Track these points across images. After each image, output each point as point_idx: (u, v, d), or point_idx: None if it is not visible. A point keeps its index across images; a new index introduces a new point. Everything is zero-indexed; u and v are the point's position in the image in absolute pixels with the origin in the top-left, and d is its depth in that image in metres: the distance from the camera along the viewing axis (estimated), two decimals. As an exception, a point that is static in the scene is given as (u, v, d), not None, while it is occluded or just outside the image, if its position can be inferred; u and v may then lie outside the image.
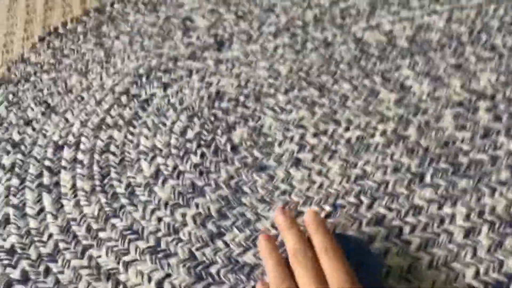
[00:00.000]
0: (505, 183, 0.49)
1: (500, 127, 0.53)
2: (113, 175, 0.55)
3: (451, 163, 0.51)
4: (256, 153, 0.56)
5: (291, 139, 0.56)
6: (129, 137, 0.59)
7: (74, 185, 0.55)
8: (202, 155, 0.56)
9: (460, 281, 0.43)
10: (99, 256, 0.49)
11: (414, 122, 0.55)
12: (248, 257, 0.48)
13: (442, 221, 0.47)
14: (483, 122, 0.54)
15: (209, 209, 0.51)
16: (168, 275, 0.47)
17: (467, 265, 0.44)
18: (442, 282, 0.44)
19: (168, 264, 0.48)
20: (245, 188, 0.53)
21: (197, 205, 0.52)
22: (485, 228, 0.46)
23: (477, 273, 0.44)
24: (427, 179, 0.50)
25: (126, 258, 0.49)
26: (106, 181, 0.55)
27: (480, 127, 0.53)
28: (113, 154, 0.57)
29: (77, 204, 0.53)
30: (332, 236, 0.42)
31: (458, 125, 0.54)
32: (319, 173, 0.53)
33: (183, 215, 0.51)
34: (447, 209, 0.48)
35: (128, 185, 0.54)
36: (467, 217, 0.47)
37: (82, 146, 0.58)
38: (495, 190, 0.48)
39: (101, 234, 0.51)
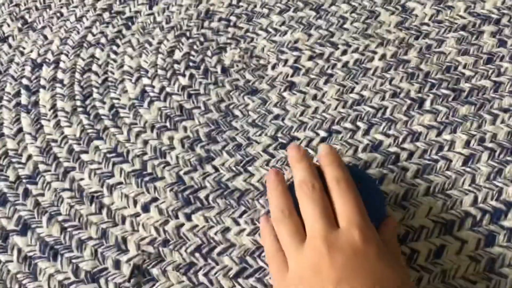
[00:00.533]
0: (508, 110, 0.47)
1: (505, 52, 0.50)
2: (95, 95, 0.52)
3: (452, 89, 0.49)
4: (248, 75, 0.52)
5: (285, 61, 0.53)
6: (112, 56, 0.55)
7: (54, 105, 0.51)
8: (191, 76, 0.53)
9: (458, 208, 0.42)
10: (82, 179, 0.47)
11: (415, 46, 0.52)
12: (239, 182, 0.46)
13: (441, 147, 0.45)
14: (487, 47, 0.51)
15: (198, 132, 0.49)
16: (154, 199, 0.45)
17: (465, 192, 0.43)
18: (439, 209, 0.42)
19: (155, 188, 0.46)
20: (236, 112, 0.50)
21: (185, 128, 0.49)
22: (485, 156, 0.44)
23: (475, 200, 0.42)
24: (427, 104, 0.48)
25: (110, 181, 0.46)
26: (88, 101, 0.52)
27: (483, 52, 0.51)
28: (96, 73, 0.54)
29: (58, 125, 0.50)
30: (346, 169, 0.39)
31: (461, 49, 0.51)
32: (314, 97, 0.50)
33: (171, 139, 0.49)
34: (446, 136, 0.46)
35: (112, 106, 0.51)
36: (467, 144, 0.45)
37: (62, 65, 0.55)
38: (497, 117, 0.46)
39: (84, 156, 0.48)
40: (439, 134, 0.46)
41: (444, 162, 0.44)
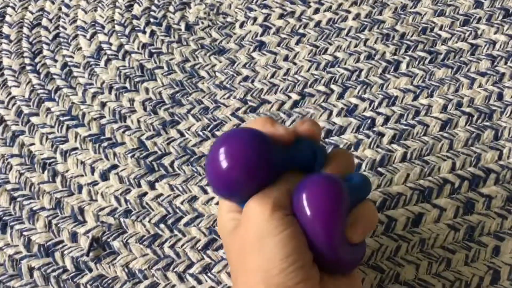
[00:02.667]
0: (485, 73, 0.45)
1: (481, 14, 0.48)
2: (46, 52, 0.48)
3: (429, 51, 0.47)
4: (214, 34, 0.49)
5: (254, 20, 0.49)
6: (64, 9, 0.50)
7: (0, 63, 0.47)
8: (152, 34, 0.49)
9: (436, 175, 0.40)
10: (32, 144, 0.43)
11: (390, 6, 0.49)
12: (206, 148, 0.42)
13: (417, 112, 0.43)
14: (463, 8, 0.49)
15: (161, 94, 0.45)
16: (114, 166, 0.42)
17: (443, 158, 0.41)
18: (416, 175, 0.40)
19: (114, 154, 0.42)
20: (202, 73, 0.46)
21: (147, 90, 0.45)
22: (462, 121, 0.43)
23: (453, 166, 0.41)
24: (403, 67, 0.46)
25: (64, 147, 0.42)
26: (38, 59, 0.47)
27: (460, 13, 0.49)
28: (46, 28, 0.49)
29: (4, 85, 0.45)
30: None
31: (437, 10, 0.49)
32: (286, 58, 0.47)
33: (131, 101, 0.45)
34: (423, 100, 0.44)
35: (65, 64, 0.47)
36: (444, 108, 0.43)
37: (8, 19, 0.50)
38: (474, 80, 0.45)
39: (34, 119, 0.44)
40: (415, 98, 0.44)
41: (421, 127, 0.43)
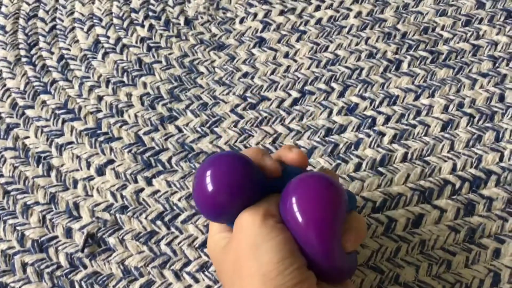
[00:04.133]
0: (486, 74, 0.45)
1: (483, 15, 0.48)
2: (42, 44, 0.47)
3: (430, 51, 0.46)
4: (214, 29, 0.48)
5: (255, 15, 0.49)
6: (61, 1, 0.49)
7: (-6, 54, 0.46)
8: (151, 27, 0.48)
9: (436, 176, 0.40)
10: (27, 137, 0.42)
11: (391, 4, 0.49)
12: (204, 144, 0.42)
13: (418, 112, 0.43)
14: (465, 8, 0.48)
15: (159, 89, 0.44)
16: (110, 161, 0.41)
17: (444, 159, 0.41)
18: (417, 175, 0.40)
19: (111, 149, 0.41)
20: (201, 68, 0.46)
21: (144, 85, 0.45)
22: (463, 121, 0.42)
23: (454, 167, 0.40)
24: (404, 66, 0.45)
25: (59, 140, 0.42)
26: (33, 51, 0.46)
27: (462, 13, 0.48)
28: (42, 20, 0.48)
29: (-1, 76, 0.45)
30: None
31: (439, 10, 0.48)
32: (286, 55, 0.46)
33: (128, 95, 0.44)
34: (424, 100, 0.44)
35: (61, 57, 0.46)
36: (445, 109, 0.43)
37: (3, 9, 0.49)
38: (475, 81, 0.44)
39: (29, 112, 0.43)
40: (416, 98, 0.44)
41: (422, 127, 0.42)
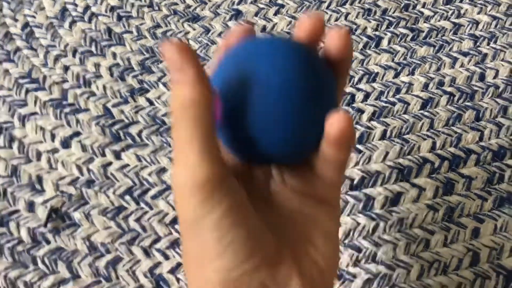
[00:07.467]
0: (467, 53, 0.44)
1: (464, -6, 0.47)
2: (6, 11, 0.44)
3: (411, 28, 0.45)
4: (188, 0, 0.46)
5: (231, -13, 0.47)
6: (27, -34, 0.47)
7: (-48, 19, 0.43)
8: (122, -4, 0.46)
9: (415, 154, 0.39)
10: (-13, 106, 0.39)
11: (372, -19, 0.48)
12: (176, 118, 0.40)
13: (398, 90, 0.42)
14: (447, -13, 0.48)
15: (129, 60, 0.42)
16: (76, 133, 0.39)
17: (423, 137, 0.40)
18: (395, 153, 0.39)
19: (77, 121, 0.39)
20: (175, 39, 0.44)
21: (114, 55, 0.42)
22: (443, 100, 0.42)
23: (433, 146, 0.39)
24: (384, 43, 0.44)
25: (22, 111, 0.39)
26: (-4, 17, 0.44)
27: (443, -8, 0.48)
28: (6, -15, 0.46)
29: (-43, 42, 0.42)
30: None
31: (420, -12, 0.48)
32: (263, 29, 0.45)
33: (97, 65, 0.42)
34: (404, 77, 0.43)
35: (26, 24, 0.43)
36: (425, 87, 0.42)
37: (-37, -27, 0.46)
38: (456, 60, 0.44)
39: (-10, 80, 0.40)
40: (396, 75, 0.43)
41: (401, 105, 0.41)
